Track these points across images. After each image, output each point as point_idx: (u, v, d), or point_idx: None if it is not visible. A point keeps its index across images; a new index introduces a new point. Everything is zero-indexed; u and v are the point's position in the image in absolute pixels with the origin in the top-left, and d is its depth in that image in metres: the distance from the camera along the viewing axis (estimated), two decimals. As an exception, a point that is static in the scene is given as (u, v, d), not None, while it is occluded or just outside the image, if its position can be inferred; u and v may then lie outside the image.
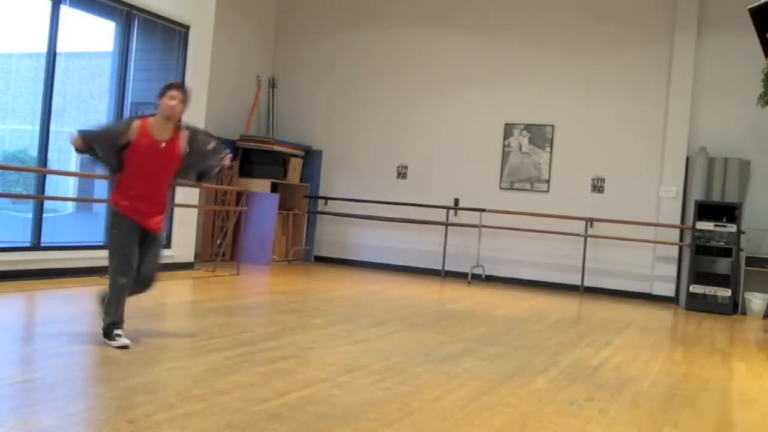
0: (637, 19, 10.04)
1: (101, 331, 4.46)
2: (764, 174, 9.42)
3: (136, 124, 4.47)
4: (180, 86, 4.60)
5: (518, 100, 10.59)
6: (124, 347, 4.32)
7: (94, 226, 8.76)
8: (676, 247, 9.70)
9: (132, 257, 4.46)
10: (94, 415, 3.14)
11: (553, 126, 10.39)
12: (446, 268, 10.62)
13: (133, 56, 8.39)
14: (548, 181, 10.39)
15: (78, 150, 4.51)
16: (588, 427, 3.51)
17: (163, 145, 4.48)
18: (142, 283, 4.61)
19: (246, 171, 10.77)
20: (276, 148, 10.81)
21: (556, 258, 10.24)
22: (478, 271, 10.51)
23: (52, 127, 7.41)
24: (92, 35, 9.21)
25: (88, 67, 12.11)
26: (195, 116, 9.02)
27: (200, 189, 9.67)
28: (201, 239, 10.06)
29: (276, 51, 12.09)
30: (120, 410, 3.16)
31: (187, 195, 8.95)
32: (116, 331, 4.42)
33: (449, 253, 10.66)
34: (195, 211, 9.26)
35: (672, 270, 9.72)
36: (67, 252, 7.58)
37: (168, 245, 8.80)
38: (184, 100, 4.51)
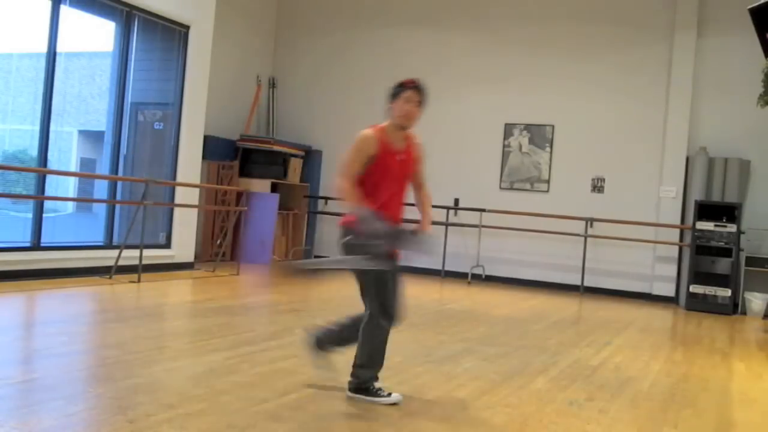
0: (637, 19, 10.04)
1: (351, 385, 3.69)
2: (764, 174, 9.42)
3: (372, 136, 3.73)
4: (415, 85, 3.76)
5: (518, 100, 10.59)
6: (395, 404, 3.61)
7: (94, 226, 8.76)
8: (676, 247, 9.70)
9: (395, 293, 3.78)
10: (94, 415, 3.14)
11: (553, 126, 10.39)
12: (446, 268, 10.62)
13: (133, 56, 8.39)
14: (548, 181, 10.39)
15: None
16: (588, 427, 3.51)
17: (401, 156, 3.78)
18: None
19: (246, 171, 10.77)
20: (276, 148, 10.81)
21: (556, 258, 10.24)
22: (478, 271, 10.51)
23: (52, 127, 7.40)
24: (92, 35, 9.22)
25: (88, 67, 12.13)
26: (195, 117, 9.04)
27: (200, 189, 9.67)
28: (201, 239, 10.06)
29: (276, 51, 12.09)
30: (120, 410, 3.16)
31: (187, 195, 8.95)
32: (377, 385, 3.66)
33: (449, 253, 10.65)
34: (195, 211, 9.26)
35: (672, 270, 9.72)
36: (67, 252, 7.57)
37: (168, 245, 8.82)
38: (421, 103, 3.76)
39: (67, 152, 13.57)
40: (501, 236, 10.49)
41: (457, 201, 10.82)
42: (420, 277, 10.47)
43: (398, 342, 5.35)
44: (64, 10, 7.42)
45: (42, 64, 7.38)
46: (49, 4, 7.29)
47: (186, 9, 8.77)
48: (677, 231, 9.68)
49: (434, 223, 10.63)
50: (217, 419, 3.13)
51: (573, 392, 4.18)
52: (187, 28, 8.85)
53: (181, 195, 8.83)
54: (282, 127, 11.87)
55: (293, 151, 11.28)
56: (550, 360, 5.06)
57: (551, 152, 10.38)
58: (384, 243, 3.66)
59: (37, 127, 7.35)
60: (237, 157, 10.82)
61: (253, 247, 10.32)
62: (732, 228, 8.92)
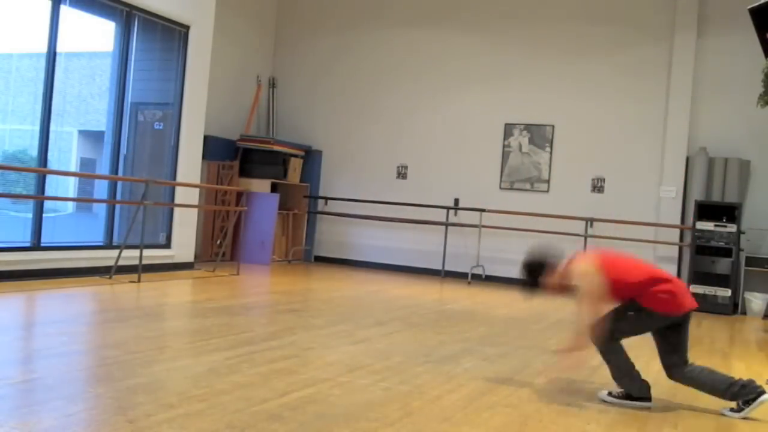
0: (637, 19, 10.05)
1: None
2: (764, 174, 9.42)
3: None
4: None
5: (518, 100, 10.59)
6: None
7: (94, 226, 8.76)
8: (676, 247, 9.70)
9: None
10: (94, 415, 3.14)
11: (553, 126, 10.39)
12: (446, 268, 10.62)
13: (133, 56, 8.39)
14: (548, 181, 10.39)
15: None
16: (588, 427, 3.50)
17: None
18: None
19: (246, 171, 10.77)
20: (276, 148, 10.81)
21: (556, 258, 10.22)
22: (478, 271, 10.51)
23: (52, 127, 7.40)
24: (92, 35, 9.22)
25: (88, 67, 12.13)
26: (195, 116, 9.04)
27: (200, 189, 9.68)
28: (201, 239, 10.06)
29: (276, 51, 12.09)
30: (120, 410, 3.16)
31: (187, 195, 8.95)
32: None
33: (449, 253, 10.65)
34: (195, 211, 9.26)
35: (672, 270, 9.70)
36: (67, 252, 7.57)
37: (168, 245, 8.82)
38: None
39: (67, 152, 13.56)
40: (501, 236, 10.48)
41: (457, 201, 10.82)
42: (420, 277, 10.47)
43: (398, 342, 5.36)
44: (64, 10, 7.42)
45: (42, 64, 7.38)
46: (49, 4, 7.29)
47: (186, 9, 8.77)
48: (677, 231, 9.68)
49: (434, 223, 10.72)
50: (217, 419, 3.13)
51: (573, 392, 4.18)
52: (187, 28, 8.85)
53: (181, 195, 8.83)
54: (282, 127, 11.87)
55: (293, 151, 11.28)
56: (550, 360, 5.06)
57: (551, 152, 10.38)
58: None
59: (37, 127, 7.35)
60: (237, 157, 10.82)
61: (253, 247, 10.33)
62: (732, 228, 8.92)
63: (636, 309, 3.97)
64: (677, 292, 3.94)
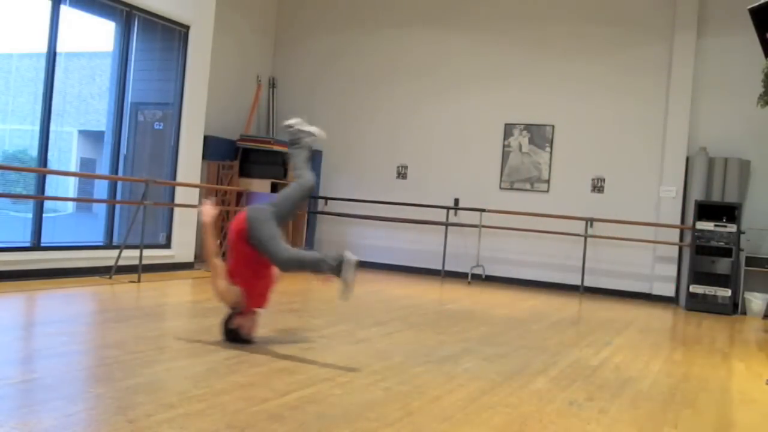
0: (637, 19, 10.05)
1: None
2: (764, 174, 9.42)
3: None
4: None
5: (518, 100, 10.59)
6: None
7: (94, 226, 8.77)
8: (676, 247, 9.71)
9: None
10: (94, 415, 3.14)
11: (553, 126, 10.40)
12: (446, 268, 10.62)
13: (133, 56, 8.39)
14: (548, 181, 10.39)
15: None
16: (588, 427, 3.50)
17: None
18: None
19: (246, 171, 10.77)
20: (276, 148, 10.80)
21: (556, 258, 10.24)
22: (478, 271, 10.51)
23: (52, 127, 7.40)
24: (92, 35, 9.22)
25: (88, 67, 12.15)
26: (195, 116, 9.04)
27: (200, 189, 9.67)
28: (201, 239, 10.05)
29: (276, 51, 12.09)
30: (120, 410, 3.16)
31: (187, 195, 8.95)
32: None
33: (449, 253, 10.66)
34: (195, 211, 9.26)
35: (672, 270, 9.72)
36: (67, 252, 7.57)
37: (168, 245, 8.82)
38: None
39: (67, 152, 13.58)
40: (501, 236, 10.49)
41: (457, 201, 10.82)
42: (420, 277, 10.47)
43: (398, 342, 5.36)
44: (64, 10, 7.42)
45: (42, 64, 7.38)
46: (49, 4, 7.29)
47: (186, 9, 8.77)
48: (677, 231, 9.68)
49: (434, 223, 10.73)
50: (217, 419, 3.13)
51: (573, 392, 4.18)
52: (187, 28, 8.85)
53: (181, 195, 8.83)
54: (282, 127, 11.87)
55: (293, 151, 11.26)
56: (550, 360, 5.06)
57: (551, 152, 10.38)
58: None
59: (37, 127, 7.35)
60: (237, 157, 10.81)
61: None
62: (732, 228, 8.92)
63: (252, 239, 4.62)
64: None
